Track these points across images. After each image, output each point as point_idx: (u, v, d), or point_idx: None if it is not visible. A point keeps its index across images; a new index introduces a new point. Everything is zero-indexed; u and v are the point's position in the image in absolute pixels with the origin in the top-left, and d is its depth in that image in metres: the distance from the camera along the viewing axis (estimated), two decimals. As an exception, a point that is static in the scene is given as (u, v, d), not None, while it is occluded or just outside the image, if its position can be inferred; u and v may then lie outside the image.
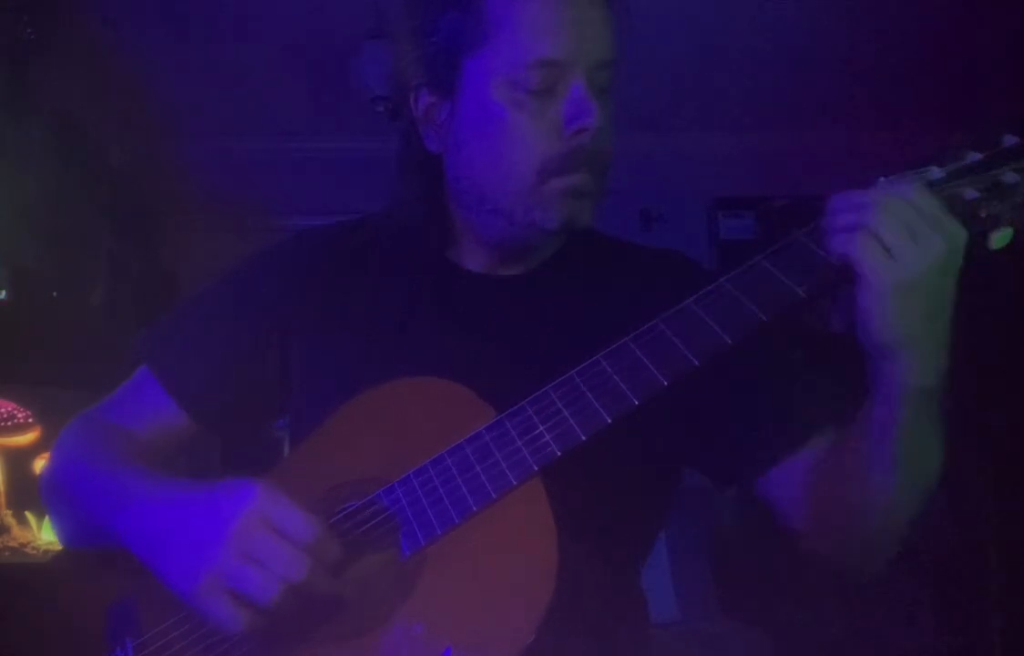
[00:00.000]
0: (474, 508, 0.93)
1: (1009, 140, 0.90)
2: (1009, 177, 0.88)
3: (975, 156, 0.90)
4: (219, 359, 1.17)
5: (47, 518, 1.21)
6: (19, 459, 2.66)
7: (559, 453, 0.92)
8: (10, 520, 2.68)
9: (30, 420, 2.72)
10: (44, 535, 2.65)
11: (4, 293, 2.69)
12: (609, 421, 0.93)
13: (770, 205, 3.54)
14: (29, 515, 2.66)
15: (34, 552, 2.66)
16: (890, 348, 0.87)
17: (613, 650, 1.07)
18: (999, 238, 0.89)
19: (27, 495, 2.65)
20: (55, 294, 2.82)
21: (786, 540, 1.09)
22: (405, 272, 1.16)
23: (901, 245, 0.84)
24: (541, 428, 0.93)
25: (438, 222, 1.15)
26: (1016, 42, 2.91)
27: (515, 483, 0.92)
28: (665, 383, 0.93)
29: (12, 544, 2.67)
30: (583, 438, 0.93)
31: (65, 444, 1.17)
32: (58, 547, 1.16)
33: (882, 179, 0.90)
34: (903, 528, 0.99)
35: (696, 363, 0.93)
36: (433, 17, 1.07)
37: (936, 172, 0.90)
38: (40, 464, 2.58)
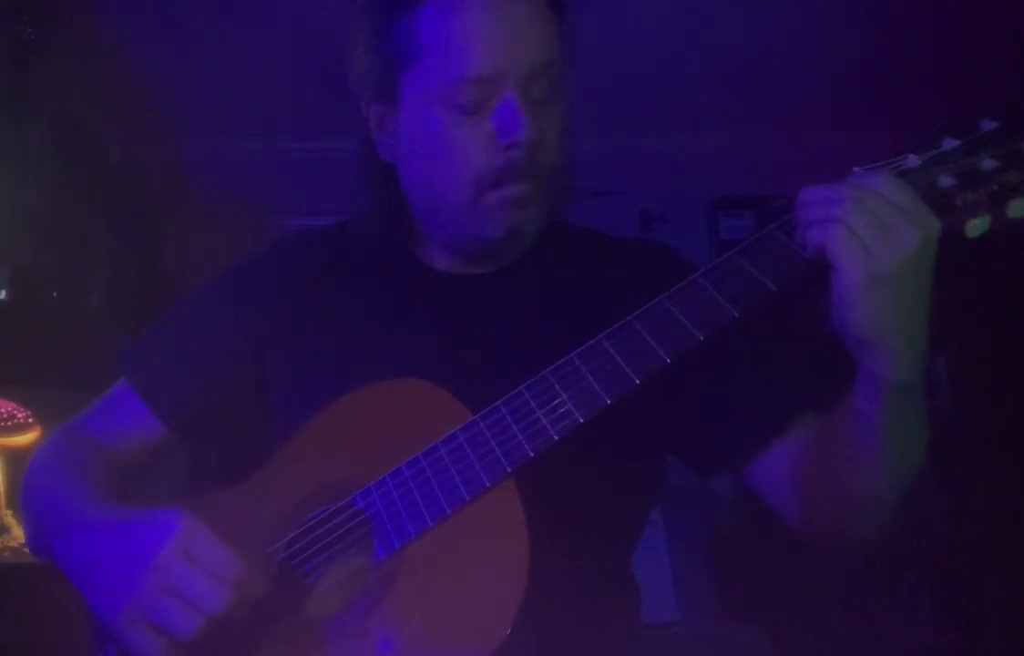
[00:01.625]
0: (448, 510, 0.93)
1: (987, 125, 0.87)
2: (986, 163, 0.86)
3: (952, 142, 0.88)
4: (196, 369, 1.18)
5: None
6: (19, 459, 2.66)
7: (532, 455, 0.93)
8: (10, 520, 2.68)
9: (30, 420, 2.72)
10: (44, 535, 2.65)
11: (4, 293, 2.68)
12: (582, 421, 0.93)
13: (770, 205, 3.54)
14: (29, 515, 2.66)
15: (34, 552, 2.66)
16: (866, 342, 0.87)
17: (602, 643, 1.07)
18: (975, 227, 0.87)
19: (27, 495, 2.64)
20: (55, 294, 2.81)
21: (780, 524, 1.10)
22: (378, 275, 1.17)
23: (874, 238, 0.83)
24: (515, 429, 0.94)
25: (403, 226, 1.16)
26: (1016, 42, 2.91)
27: (489, 485, 0.93)
28: (637, 382, 0.93)
29: (12, 544, 2.67)
30: (556, 439, 0.93)
31: (37, 459, 1.19)
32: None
33: (856, 169, 0.89)
34: (891, 509, 0.99)
35: (668, 360, 0.93)
36: (373, 30, 1.08)
37: (913, 160, 0.89)
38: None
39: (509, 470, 0.93)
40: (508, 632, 0.85)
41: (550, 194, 1.09)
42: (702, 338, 0.93)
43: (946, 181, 0.87)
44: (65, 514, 1.05)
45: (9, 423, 2.70)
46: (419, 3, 1.04)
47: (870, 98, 3.41)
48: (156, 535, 0.91)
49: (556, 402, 0.94)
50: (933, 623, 3.28)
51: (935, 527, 3.31)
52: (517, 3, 1.04)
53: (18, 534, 2.68)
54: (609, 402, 0.93)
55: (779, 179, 3.70)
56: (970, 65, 3.13)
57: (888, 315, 0.85)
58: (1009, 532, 3.09)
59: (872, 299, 0.84)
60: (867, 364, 0.89)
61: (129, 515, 0.98)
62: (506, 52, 1.02)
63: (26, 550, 2.74)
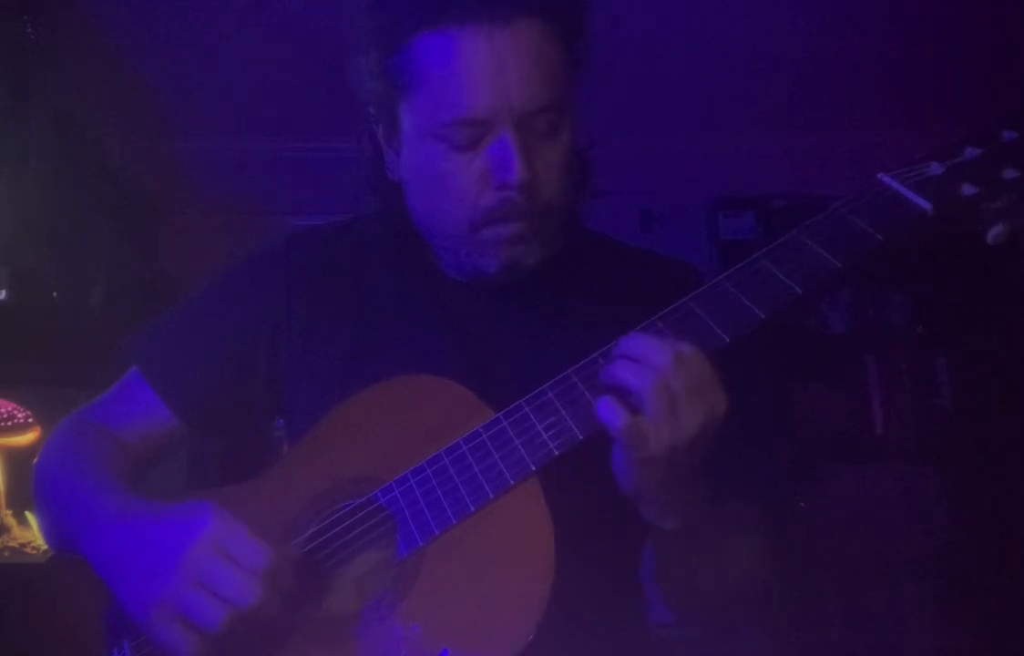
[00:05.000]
0: (472, 508, 0.93)
1: (1008, 135, 0.90)
2: (1008, 173, 0.88)
3: (974, 152, 0.90)
4: (209, 362, 1.17)
5: (45, 517, 1.21)
6: (19, 459, 2.66)
7: (557, 453, 0.92)
8: (10, 520, 2.68)
9: (30, 420, 2.72)
10: (44, 535, 2.65)
11: (4, 293, 2.68)
12: None
13: (770, 205, 3.54)
14: (29, 515, 2.66)
15: (34, 552, 2.66)
16: (634, 496, 0.91)
17: (617, 647, 1.07)
18: (997, 234, 0.89)
19: (27, 495, 2.63)
20: (55, 294, 2.81)
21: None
22: (394, 276, 1.16)
23: (660, 427, 0.86)
24: (539, 427, 0.93)
25: (414, 235, 1.15)
26: (1016, 42, 2.91)
27: (513, 483, 0.92)
28: None
29: (12, 544, 2.67)
30: (580, 437, 0.92)
31: (51, 448, 1.17)
32: (57, 547, 1.16)
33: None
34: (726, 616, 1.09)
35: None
36: (373, 59, 1.06)
37: (936, 168, 0.91)
38: (40, 464, 2.58)
39: (533, 468, 0.92)
40: (533, 636, 0.85)
41: (552, 227, 1.07)
42: (728, 340, 0.92)
43: (969, 189, 0.89)
44: (89, 506, 1.04)
45: (9, 423, 2.70)
46: (415, 34, 1.02)
47: (870, 98, 3.41)
48: (188, 529, 0.91)
49: (581, 401, 0.93)
50: (934, 624, 3.28)
51: (935, 527, 3.31)
52: (515, 38, 0.99)
53: (18, 534, 2.68)
54: None
55: (779, 179, 3.70)
56: (971, 65, 3.14)
57: (655, 483, 0.89)
58: (1009, 532, 3.09)
59: (645, 472, 0.89)
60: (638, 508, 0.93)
61: (159, 509, 0.97)
62: (500, 94, 0.99)
63: (26, 550, 2.74)
